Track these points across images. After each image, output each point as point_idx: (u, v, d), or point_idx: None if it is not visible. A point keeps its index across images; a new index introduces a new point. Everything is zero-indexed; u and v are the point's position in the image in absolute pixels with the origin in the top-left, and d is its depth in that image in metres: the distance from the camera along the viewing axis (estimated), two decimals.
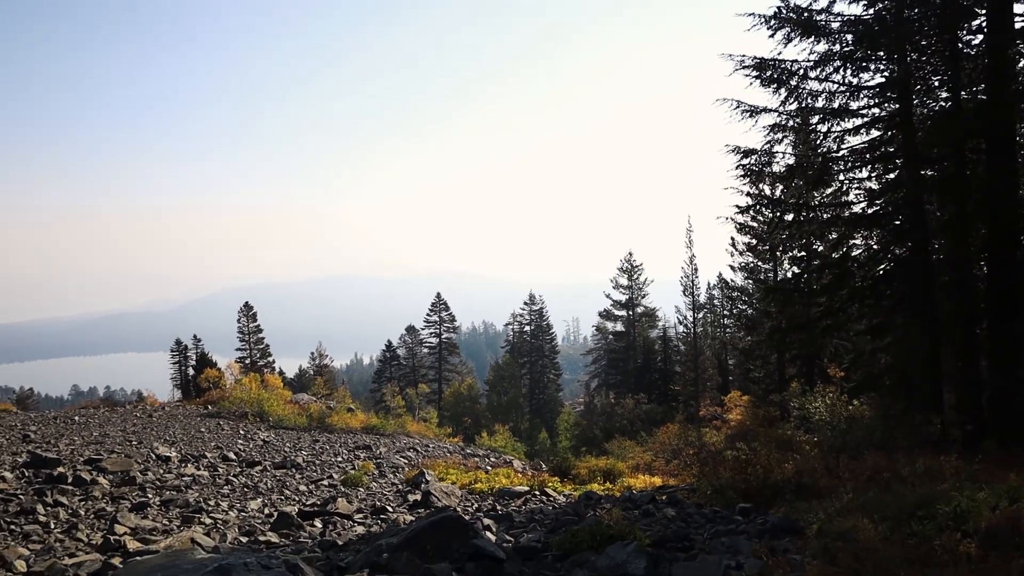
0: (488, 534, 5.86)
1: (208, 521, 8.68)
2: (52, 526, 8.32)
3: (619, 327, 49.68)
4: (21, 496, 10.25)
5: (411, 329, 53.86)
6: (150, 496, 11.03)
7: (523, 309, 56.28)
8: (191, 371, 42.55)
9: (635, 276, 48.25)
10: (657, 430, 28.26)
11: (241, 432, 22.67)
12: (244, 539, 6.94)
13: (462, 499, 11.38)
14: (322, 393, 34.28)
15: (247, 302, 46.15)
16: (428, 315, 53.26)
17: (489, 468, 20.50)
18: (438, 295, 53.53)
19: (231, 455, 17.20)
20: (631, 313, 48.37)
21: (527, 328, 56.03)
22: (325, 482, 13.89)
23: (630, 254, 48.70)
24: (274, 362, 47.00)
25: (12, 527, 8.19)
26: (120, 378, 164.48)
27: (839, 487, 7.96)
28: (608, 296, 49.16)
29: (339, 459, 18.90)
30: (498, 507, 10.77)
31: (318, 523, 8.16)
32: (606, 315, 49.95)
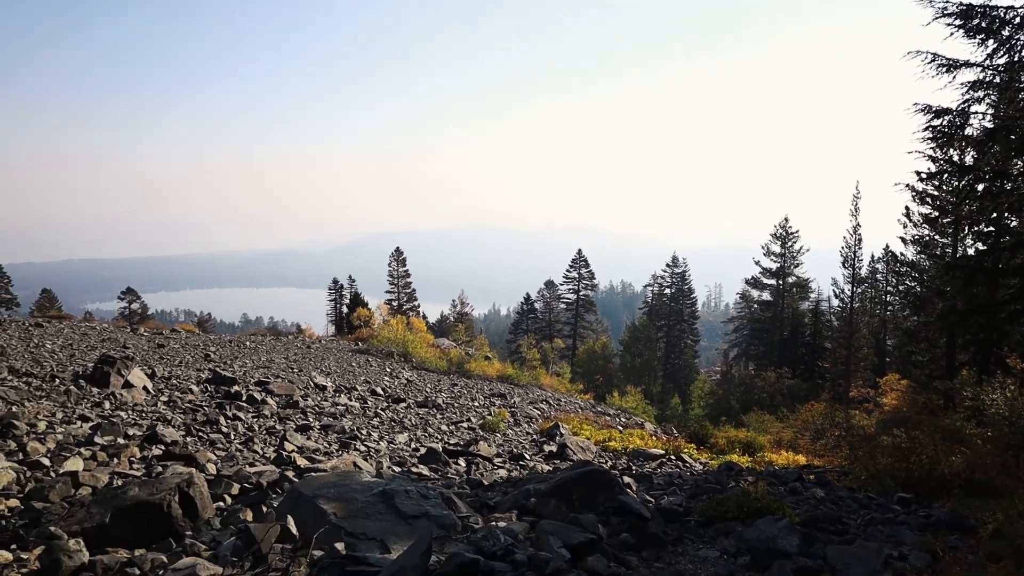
0: (630, 492, 5.86)
1: (363, 448, 9.36)
2: (232, 437, 9.32)
3: (766, 296, 47.30)
4: (206, 408, 11.56)
5: (550, 284, 54.28)
6: (311, 420, 12.04)
7: (664, 271, 54.97)
8: (345, 309, 45.61)
9: (789, 243, 45.49)
10: (800, 407, 26.85)
11: (387, 370, 24.12)
12: (397, 468, 7.45)
13: (596, 455, 11.49)
14: (462, 340, 35.64)
15: (398, 247, 48.39)
16: (568, 271, 53.35)
17: (621, 428, 20.49)
18: (579, 251, 53.35)
19: (379, 390, 18.35)
20: (781, 282, 45.83)
21: (667, 291, 54.75)
22: (464, 424, 14.50)
23: (786, 219, 45.89)
24: (419, 306, 49.25)
25: (200, 434, 9.26)
26: (282, 310, 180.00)
27: (1019, 488, 7.19)
28: (758, 263, 46.79)
29: (476, 404, 19.64)
30: (633, 467, 10.77)
31: (462, 462, 8.57)
32: (753, 283, 47.68)
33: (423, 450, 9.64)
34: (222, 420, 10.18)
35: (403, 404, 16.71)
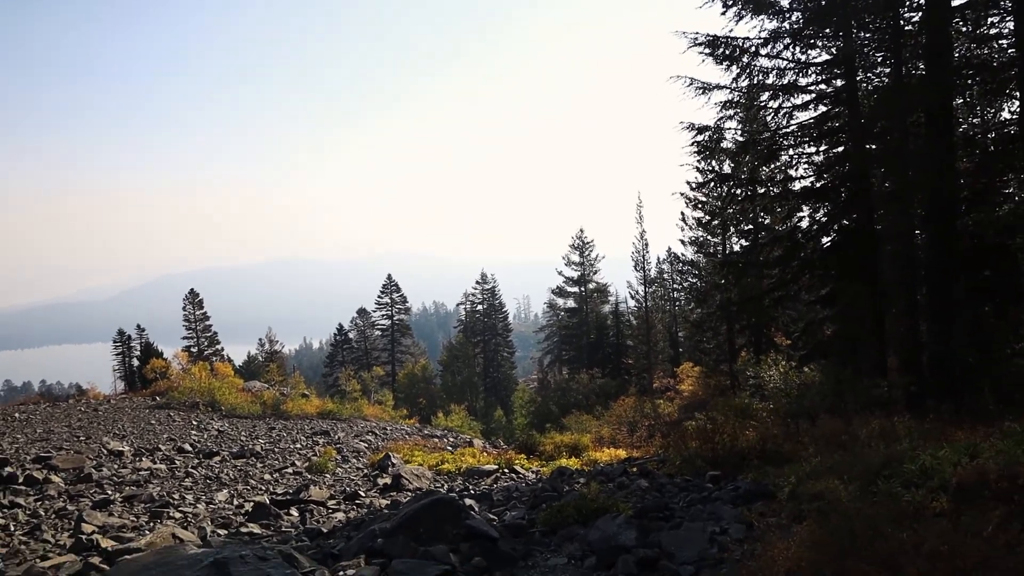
0: (474, 514, 5.90)
1: (178, 515, 8.48)
2: (12, 528, 8.00)
3: (571, 303, 50.16)
4: None
5: (362, 312, 53.18)
6: (110, 493, 10.70)
7: (475, 288, 56.22)
8: (136, 362, 41.13)
9: (587, 252, 48.67)
10: (613, 404, 28.77)
11: (194, 423, 22.13)
12: (223, 532, 6.81)
13: (432, 480, 11.42)
14: (275, 380, 33.69)
15: (192, 289, 44.68)
16: (379, 297, 52.65)
17: (451, 448, 20.58)
18: (389, 276, 52.91)
19: (186, 447, 16.80)
20: (583, 289, 48.86)
21: (479, 307, 56.03)
22: (289, 470, 13.71)
23: (581, 231, 49.08)
24: (223, 350, 45.82)
25: None
26: (57, 371, 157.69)
27: (803, 451, 8.29)
28: (560, 273, 49.51)
29: (298, 446, 18.67)
30: (470, 487, 10.84)
31: (295, 511, 8.07)
32: (558, 292, 50.33)
33: (248, 505, 8.95)
34: None
35: (217, 458, 15.44)
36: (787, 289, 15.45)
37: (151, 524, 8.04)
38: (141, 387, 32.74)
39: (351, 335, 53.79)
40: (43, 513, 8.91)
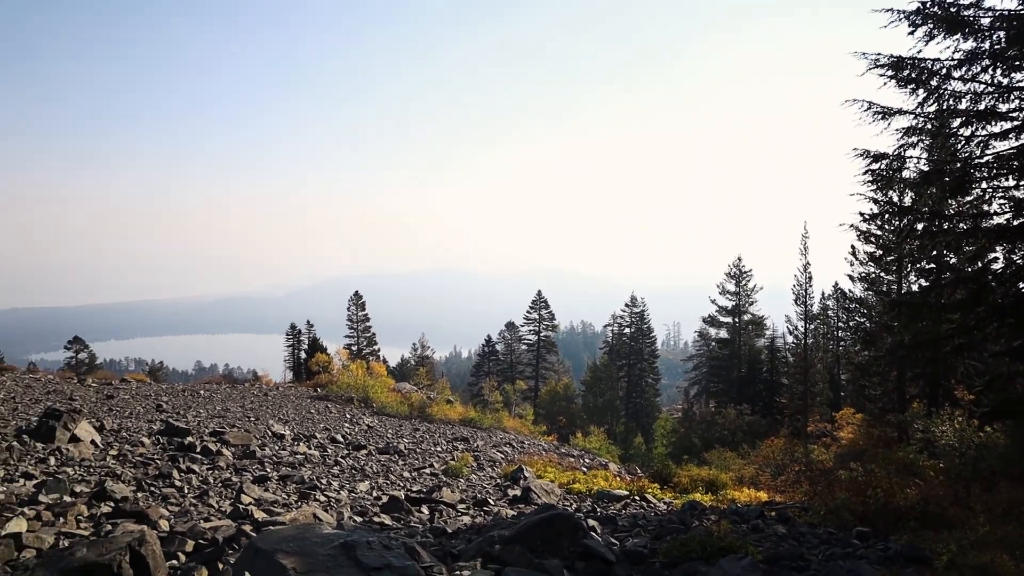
0: (594, 535, 5.84)
1: (323, 498, 9.14)
2: (186, 491, 9.01)
3: (724, 334, 48.14)
4: (158, 461, 11.17)
5: (511, 325, 54.37)
6: (268, 470, 11.72)
7: (624, 311, 55.60)
8: (303, 355, 44.83)
9: (743, 282, 46.56)
10: (760, 443, 27.19)
11: (347, 416, 23.68)
12: (358, 519, 7.28)
13: (561, 498, 11.42)
14: (424, 384, 35.27)
15: (356, 292, 48.04)
16: (528, 312, 53.58)
17: (585, 469, 20.41)
18: (539, 293, 53.71)
19: (339, 437, 17.98)
20: (737, 320, 46.75)
21: (627, 330, 55.31)
22: (427, 470, 14.28)
23: (739, 259, 47.06)
24: (379, 350, 48.73)
25: (152, 489, 8.94)
26: (238, 357, 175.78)
27: (971, 519, 7.39)
28: (714, 302, 47.72)
29: (438, 448, 19.37)
30: (598, 509, 10.71)
31: (425, 509, 8.42)
32: (710, 321, 48.51)
33: (385, 498, 9.45)
34: (175, 473, 9.85)
35: (364, 451, 16.39)
36: (970, 336, 13.83)
37: (298, 503, 8.73)
38: (306, 378, 35.61)
39: (498, 347, 55.15)
40: (212, 481, 9.95)
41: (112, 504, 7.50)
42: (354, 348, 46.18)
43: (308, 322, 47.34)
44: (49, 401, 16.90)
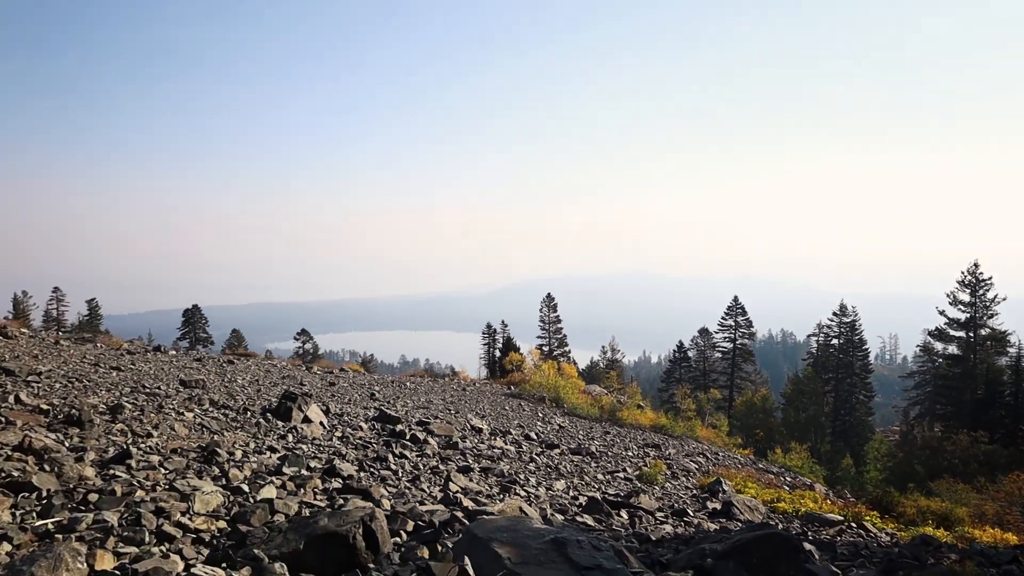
0: (815, 561, 5.39)
1: (522, 493, 9.43)
2: (400, 475, 9.74)
3: (954, 350, 42.49)
4: (374, 445, 12.20)
5: (704, 331, 52.40)
6: (470, 461, 12.31)
7: (831, 320, 51.15)
8: (497, 353, 46.74)
9: (980, 292, 40.76)
10: (1002, 477, 23.60)
11: (539, 414, 24.25)
12: (560, 516, 7.41)
13: (765, 516, 10.73)
14: (614, 387, 35.14)
15: (548, 293, 49.15)
16: (723, 319, 51.27)
17: (787, 488, 19.09)
18: (735, 298, 51.16)
19: (532, 435, 18.45)
20: (972, 335, 41.04)
21: (834, 341, 50.83)
22: (620, 474, 14.19)
23: (975, 266, 41.26)
24: (569, 352, 49.41)
25: (371, 470, 9.77)
26: (437, 352, 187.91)
27: None
28: (942, 313, 42.28)
29: (630, 453, 19.17)
30: (809, 532, 9.92)
31: (624, 514, 8.35)
32: (938, 335, 43.04)
33: (582, 499, 9.52)
34: (390, 458, 10.69)
35: (556, 450, 16.66)
36: None
37: (500, 495, 9.07)
38: (500, 376, 37.04)
39: (690, 353, 53.39)
40: (421, 467, 10.66)
41: (340, 480, 8.30)
42: (545, 348, 47.23)
43: (503, 322, 49.25)
44: (284, 385, 19.13)
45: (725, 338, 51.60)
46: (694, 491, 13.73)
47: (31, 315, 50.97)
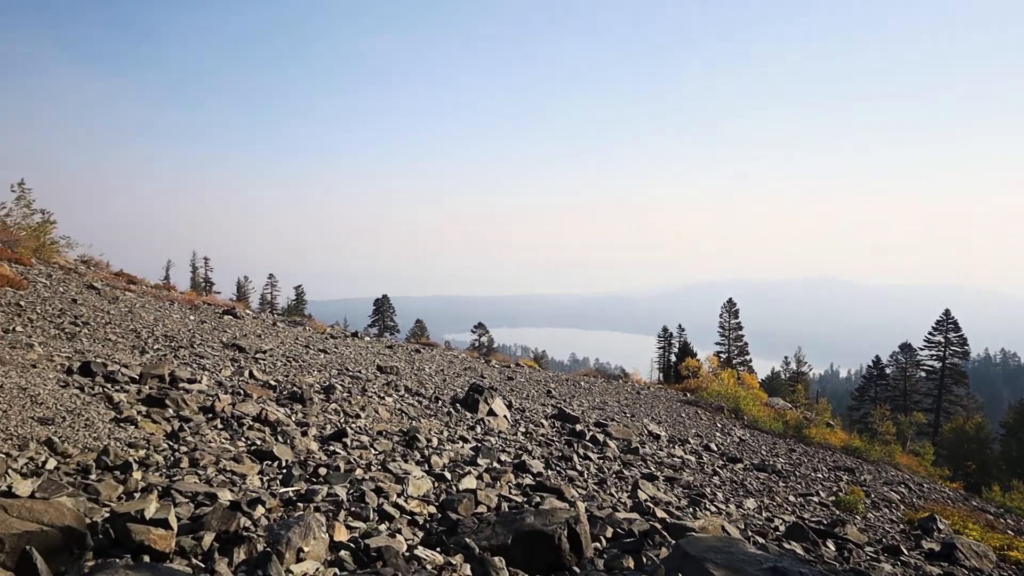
0: None
1: (712, 508, 9.03)
2: (585, 476, 9.74)
3: None
4: (557, 443, 12.34)
5: (906, 347, 47.30)
6: (653, 469, 12.05)
7: None
8: (673, 357, 45.55)
9: None
10: None
11: (717, 425, 23.25)
12: (759, 539, 6.99)
13: (996, 565, 9.41)
14: (801, 402, 32.85)
15: (730, 298, 46.94)
16: (931, 334, 45.92)
17: (1010, 531, 16.69)
18: (946, 312, 45.59)
19: (712, 446, 17.71)
20: None
21: None
22: (815, 498, 13.16)
23: None
24: (750, 360, 46.90)
25: (557, 468, 9.88)
26: (606, 352, 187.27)
27: None
28: None
29: (819, 475, 17.78)
30: None
31: (831, 545, 7.71)
32: None
33: (778, 522, 8.93)
34: (575, 458, 10.74)
35: (740, 465, 15.85)
36: None
37: (690, 508, 8.75)
38: (675, 381, 36.04)
39: (887, 371, 48.49)
40: (606, 471, 10.59)
41: (531, 476, 8.46)
42: (724, 356, 45.25)
43: (679, 326, 47.86)
44: (466, 376, 19.96)
45: (932, 355, 46.20)
46: (901, 526, 12.39)
47: (250, 298, 57.81)
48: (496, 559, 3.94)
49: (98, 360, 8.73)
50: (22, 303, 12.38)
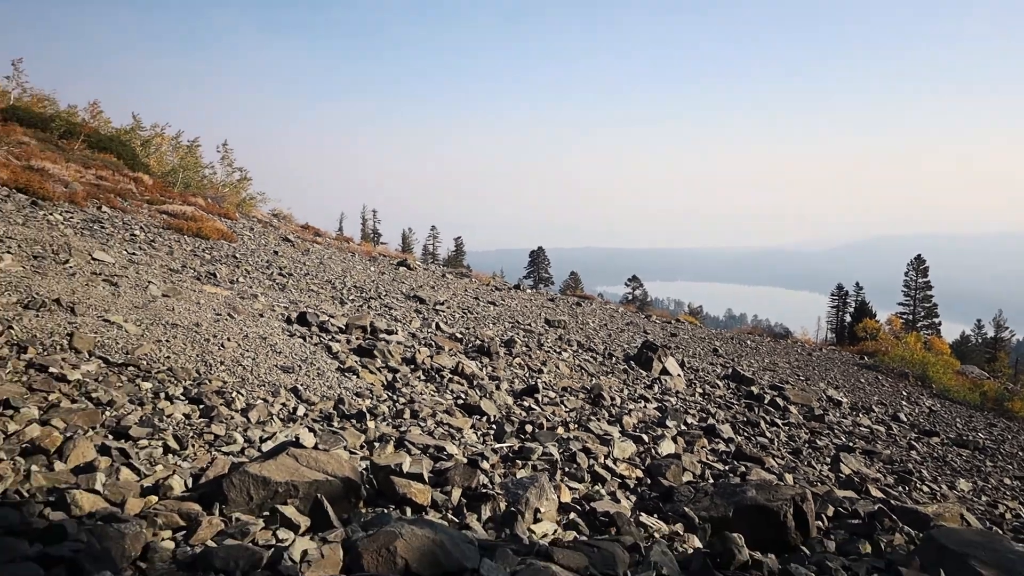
0: None
1: (925, 489, 8.34)
2: (776, 444, 9.30)
3: None
4: (736, 407, 11.91)
5: None
6: (843, 438, 11.32)
7: None
8: (848, 317, 42.39)
9: None
10: None
11: (903, 393, 21.44)
12: (994, 528, 6.34)
13: None
14: (1004, 372, 29.48)
15: (919, 255, 42.48)
16: None
17: None
18: None
19: (901, 416, 16.39)
20: None
21: None
22: None
23: None
24: (939, 323, 42.51)
25: (745, 434, 9.53)
26: (765, 309, 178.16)
27: None
28: None
29: None
30: None
31: None
32: None
33: (1002, 508, 8.07)
34: (762, 424, 10.31)
35: (935, 439, 14.53)
36: None
37: (898, 487, 8.11)
38: (849, 342, 33.61)
39: None
40: (796, 440, 10.09)
41: (722, 442, 8.22)
42: (908, 317, 41.37)
43: (857, 284, 44.18)
44: (629, 331, 19.76)
45: None
46: None
47: (414, 249, 60.80)
48: (736, 536, 3.83)
49: (310, 311, 9.50)
50: (237, 255, 13.75)
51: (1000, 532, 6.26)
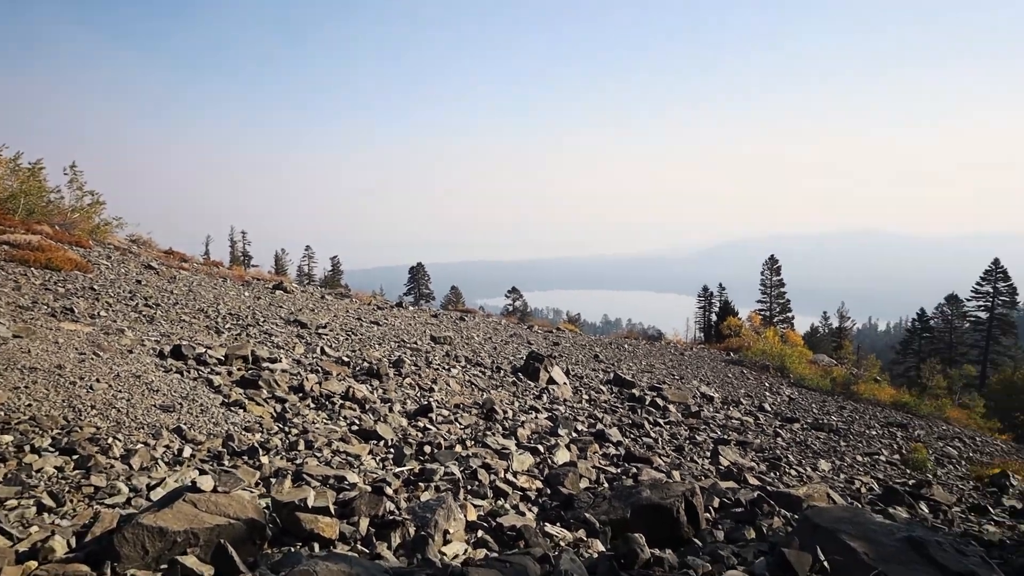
0: None
1: (793, 473, 9.08)
2: (660, 443, 9.82)
3: None
4: (620, 410, 12.42)
5: (952, 299, 46.30)
6: (719, 432, 12.08)
7: None
8: (713, 317, 45.19)
9: None
10: None
11: (765, 384, 23.15)
12: (854, 503, 7.04)
13: None
14: (847, 358, 32.53)
15: (772, 255, 46.16)
16: (978, 284, 44.82)
17: None
18: (995, 261, 44.35)
19: (765, 407, 17.70)
20: None
21: None
22: (881, 457, 13.16)
23: None
24: (793, 317, 46.34)
25: (631, 436, 9.98)
26: (638, 313, 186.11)
27: None
28: None
29: (872, 432, 17.70)
30: None
31: (924, 507, 7.70)
32: None
33: (858, 484, 8.96)
34: (646, 425, 10.82)
35: (796, 425, 15.84)
36: None
37: (770, 473, 8.80)
38: (716, 340, 35.88)
39: (932, 323, 47.65)
40: (679, 437, 10.67)
41: (612, 445, 8.57)
42: (766, 314, 44.77)
43: (720, 284, 47.32)
44: (513, 343, 20.04)
45: (979, 307, 45.21)
46: (972, 483, 12.35)
47: (288, 271, 58.52)
48: (638, 536, 4.03)
49: (185, 343, 8.96)
50: (95, 286, 12.71)
51: (861, 506, 6.96)
